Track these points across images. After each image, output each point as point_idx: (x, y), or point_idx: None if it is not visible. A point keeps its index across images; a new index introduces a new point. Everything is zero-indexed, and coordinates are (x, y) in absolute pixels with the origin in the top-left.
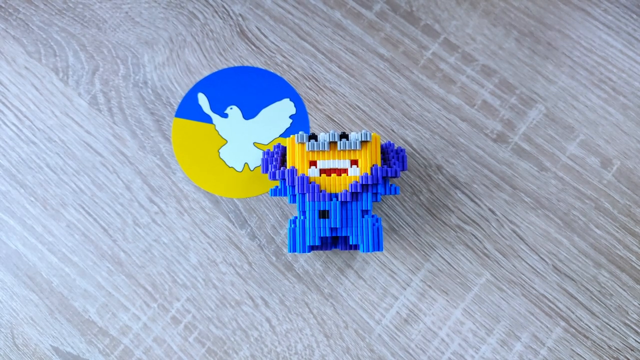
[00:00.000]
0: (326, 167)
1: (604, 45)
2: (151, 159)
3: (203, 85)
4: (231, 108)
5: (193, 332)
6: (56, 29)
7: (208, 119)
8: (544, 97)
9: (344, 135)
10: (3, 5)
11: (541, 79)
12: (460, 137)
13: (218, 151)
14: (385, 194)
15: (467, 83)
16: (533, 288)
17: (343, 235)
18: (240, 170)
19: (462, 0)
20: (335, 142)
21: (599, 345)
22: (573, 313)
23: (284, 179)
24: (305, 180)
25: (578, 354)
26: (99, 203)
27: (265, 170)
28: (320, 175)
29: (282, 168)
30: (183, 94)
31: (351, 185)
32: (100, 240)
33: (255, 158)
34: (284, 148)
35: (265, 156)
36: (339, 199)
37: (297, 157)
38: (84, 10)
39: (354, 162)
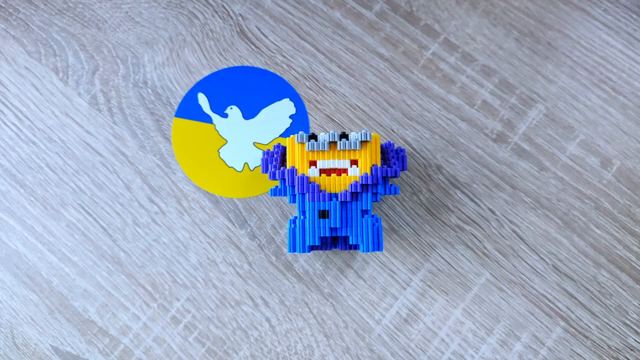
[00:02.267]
0: (326, 167)
1: (604, 45)
2: (151, 159)
3: (203, 85)
4: (231, 108)
5: (193, 332)
6: (56, 29)
7: (208, 119)
8: (544, 97)
9: (344, 135)
10: (3, 5)
11: (541, 79)
12: (460, 137)
13: (218, 151)
14: (385, 193)
15: (467, 83)
16: (533, 288)
17: (343, 235)
18: (240, 170)
19: (462, 0)
20: (335, 142)
21: (598, 345)
22: (573, 313)
23: (284, 179)
24: (305, 180)
25: (578, 354)
26: (99, 203)
27: (265, 170)
28: (320, 175)
29: (281, 168)
30: (183, 94)
31: (351, 185)
32: (100, 240)
33: (255, 158)
34: (284, 148)
35: (265, 156)
36: (339, 199)
37: (297, 157)
38: (84, 10)
39: (354, 162)
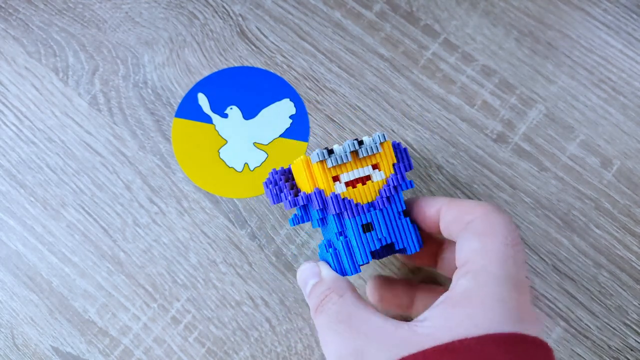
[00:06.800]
0: (350, 178)
1: (604, 45)
2: (151, 159)
3: (203, 85)
4: (231, 108)
5: (193, 332)
6: (56, 29)
7: (208, 119)
8: (544, 97)
9: (360, 142)
10: (3, 5)
11: (541, 79)
12: (460, 137)
13: (218, 151)
14: (407, 188)
15: (467, 83)
16: (533, 288)
17: (388, 242)
18: (240, 170)
19: (462, 0)
20: (355, 151)
21: (598, 345)
22: (573, 313)
23: (306, 205)
24: (338, 198)
25: (578, 354)
26: (99, 203)
27: (278, 200)
28: (346, 189)
29: (301, 193)
30: (183, 94)
31: (383, 190)
32: (100, 241)
33: (255, 158)
34: (284, 170)
35: (270, 185)
36: (376, 208)
37: (318, 176)
38: (84, 10)
39: (375, 166)
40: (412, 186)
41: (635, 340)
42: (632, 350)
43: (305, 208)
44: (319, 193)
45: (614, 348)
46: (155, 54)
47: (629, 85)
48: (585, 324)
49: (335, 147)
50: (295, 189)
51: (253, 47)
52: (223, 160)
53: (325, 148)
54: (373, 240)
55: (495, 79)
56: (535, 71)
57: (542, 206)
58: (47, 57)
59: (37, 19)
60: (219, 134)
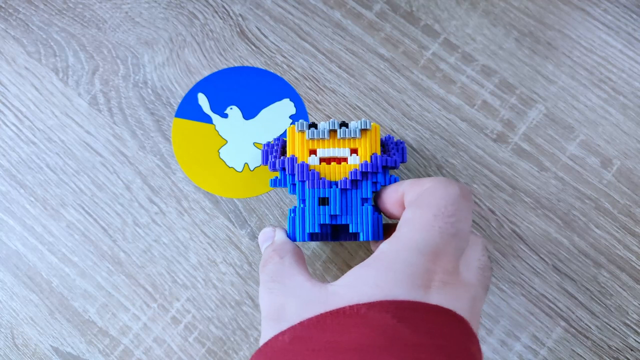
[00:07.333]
0: (326, 155)
1: (604, 45)
2: (151, 159)
3: (203, 85)
4: (231, 108)
5: (193, 332)
6: (56, 29)
7: (208, 119)
8: (544, 97)
9: (344, 124)
10: (3, 5)
11: (541, 79)
12: (460, 137)
13: (218, 151)
14: (385, 183)
15: (467, 83)
16: (533, 288)
17: (343, 223)
18: (240, 170)
19: (462, 0)
20: (336, 131)
21: (598, 345)
22: (573, 313)
23: (284, 168)
24: (305, 167)
25: (578, 354)
26: (99, 203)
27: (265, 161)
28: (320, 164)
29: (282, 157)
30: (183, 94)
31: (351, 172)
32: (100, 241)
33: (255, 158)
34: (285, 140)
35: (266, 147)
36: (339, 186)
37: (297, 145)
38: (84, 10)
39: (354, 151)
40: (393, 182)
41: (635, 340)
42: (632, 350)
43: (285, 173)
44: (292, 159)
45: (614, 348)
46: (155, 54)
47: (629, 85)
48: (585, 324)
49: (320, 124)
50: (283, 155)
51: (253, 47)
52: (223, 160)
53: (313, 122)
54: (325, 214)
55: (495, 79)
56: (535, 71)
57: (542, 206)
58: (47, 57)
59: (37, 19)
60: (219, 134)
